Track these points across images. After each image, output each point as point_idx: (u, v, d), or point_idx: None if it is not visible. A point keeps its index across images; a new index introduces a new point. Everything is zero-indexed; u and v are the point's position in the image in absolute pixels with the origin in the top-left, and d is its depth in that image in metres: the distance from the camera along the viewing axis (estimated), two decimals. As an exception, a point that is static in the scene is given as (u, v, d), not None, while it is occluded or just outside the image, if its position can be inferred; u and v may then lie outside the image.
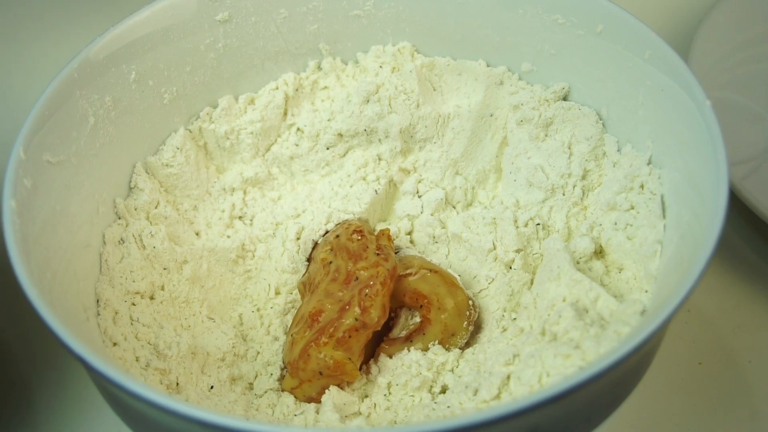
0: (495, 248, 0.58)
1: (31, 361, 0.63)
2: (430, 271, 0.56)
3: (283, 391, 0.54)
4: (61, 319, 0.42)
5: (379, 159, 0.63)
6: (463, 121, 0.62)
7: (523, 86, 0.61)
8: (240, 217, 0.62)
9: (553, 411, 0.40)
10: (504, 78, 0.62)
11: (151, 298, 0.55)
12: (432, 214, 0.61)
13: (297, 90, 0.64)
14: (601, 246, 0.55)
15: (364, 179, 0.63)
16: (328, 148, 0.63)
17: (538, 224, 0.58)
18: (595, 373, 0.38)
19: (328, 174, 0.64)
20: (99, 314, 0.52)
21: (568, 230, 0.58)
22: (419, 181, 0.63)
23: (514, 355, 0.49)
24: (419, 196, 0.63)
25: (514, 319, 0.55)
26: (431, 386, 0.53)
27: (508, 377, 0.47)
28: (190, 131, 0.62)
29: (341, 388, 0.52)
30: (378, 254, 0.55)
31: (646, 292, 0.51)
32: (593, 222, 0.56)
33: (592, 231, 0.56)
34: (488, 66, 0.62)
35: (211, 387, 0.53)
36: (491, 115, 0.62)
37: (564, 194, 0.58)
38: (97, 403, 0.59)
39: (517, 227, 0.58)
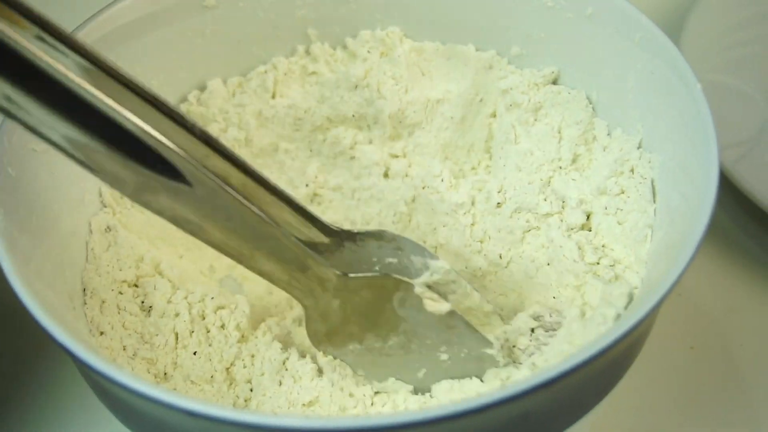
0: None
1: (18, 353, 0.63)
2: None
3: None
4: (46, 308, 0.42)
5: (370, 143, 0.63)
6: (453, 106, 0.62)
7: (512, 71, 0.61)
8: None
9: (542, 397, 0.40)
10: (493, 62, 0.61)
11: (138, 286, 0.55)
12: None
13: (286, 74, 0.63)
14: (588, 218, 0.55)
15: None
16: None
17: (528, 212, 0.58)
18: (586, 358, 0.38)
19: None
20: (85, 303, 0.52)
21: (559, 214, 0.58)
22: (409, 166, 0.63)
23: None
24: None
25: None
26: None
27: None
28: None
29: None
30: None
31: (637, 273, 0.51)
32: (582, 198, 0.56)
33: (581, 205, 0.55)
34: (477, 50, 0.62)
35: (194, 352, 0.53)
36: (481, 100, 0.62)
37: (554, 178, 0.58)
38: (85, 395, 0.59)
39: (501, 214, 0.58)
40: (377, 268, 0.52)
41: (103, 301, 0.52)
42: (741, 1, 0.79)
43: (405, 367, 0.50)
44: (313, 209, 0.53)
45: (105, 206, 0.56)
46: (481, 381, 0.50)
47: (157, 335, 0.52)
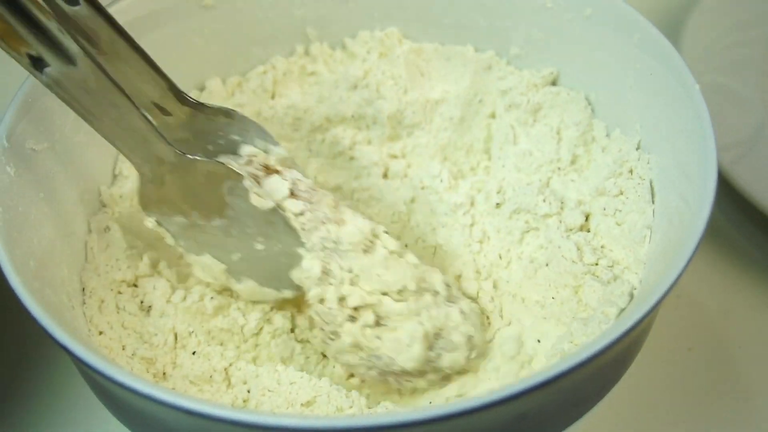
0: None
1: (17, 353, 0.63)
2: None
3: None
4: (45, 308, 0.42)
5: (369, 144, 0.63)
6: (452, 107, 0.62)
7: (511, 71, 0.61)
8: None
9: (540, 397, 0.40)
10: (492, 63, 0.62)
11: (136, 286, 0.55)
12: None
13: (285, 74, 0.63)
14: (587, 218, 0.56)
15: None
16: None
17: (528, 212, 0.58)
18: (584, 359, 0.38)
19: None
20: (84, 303, 0.52)
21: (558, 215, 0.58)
22: (408, 167, 0.63)
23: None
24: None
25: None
26: None
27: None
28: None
29: None
30: None
31: (636, 274, 0.51)
32: (581, 199, 0.56)
33: (580, 206, 0.56)
34: (476, 51, 0.62)
35: (194, 352, 0.53)
36: (480, 101, 0.62)
37: (552, 179, 0.58)
38: (84, 395, 0.59)
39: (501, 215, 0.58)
40: (221, 141, 0.55)
41: (102, 301, 0.52)
42: (739, 4, 0.80)
43: (222, 248, 0.53)
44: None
45: (104, 206, 0.56)
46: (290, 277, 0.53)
47: (156, 335, 0.52)
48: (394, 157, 0.63)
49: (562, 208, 0.56)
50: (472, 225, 0.59)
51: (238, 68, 0.63)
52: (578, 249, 0.54)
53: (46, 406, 0.60)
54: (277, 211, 0.52)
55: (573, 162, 0.58)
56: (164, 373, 0.51)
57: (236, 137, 0.55)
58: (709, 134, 0.46)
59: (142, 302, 0.54)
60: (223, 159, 0.54)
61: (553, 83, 0.60)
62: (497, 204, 0.58)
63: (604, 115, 0.58)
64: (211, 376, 0.52)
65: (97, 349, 0.49)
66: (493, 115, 0.62)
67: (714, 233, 0.68)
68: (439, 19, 0.62)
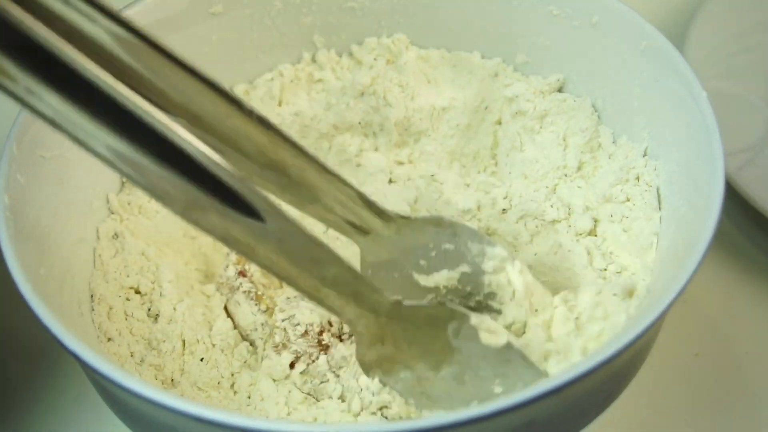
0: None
1: (27, 358, 0.63)
2: None
3: None
4: (55, 314, 0.42)
5: (376, 150, 0.63)
6: (458, 114, 0.62)
7: (518, 78, 0.61)
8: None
9: (548, 405, 0.40)
10: (499, 70, 0.62)
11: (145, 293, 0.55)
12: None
13: (292, 81, 0.64)
14: (595, 224, 0.56)
15: None
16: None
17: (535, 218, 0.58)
18: (591, 367, 0.38)
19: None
20: (93, 309, 0.52)
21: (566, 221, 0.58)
22: (414, 172, 0.63)
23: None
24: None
25: None
26: None
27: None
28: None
29: None
30: None
31: (644, 281, 0.51)
32: (588, 206, 0.56)
33: (587, 212, 0.56)
34: (483, 58, 0.62)
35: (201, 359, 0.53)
36: (486, 108, 0.62)
37: (559, 186, 0.58)
38: (93, 401, 0.59)
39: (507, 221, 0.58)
40: (433, 254, 0.52)
41: (111, 308, 0.52)
42: (744, 9, 0.80)
43: (456, 399, 0.47)
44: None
45: (112, 213, 0.56)
46: None
47: (164, 342, 0.52)
48: (401, 163, 0.63)
49: (569, 214, 0.56)
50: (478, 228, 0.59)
51: (245, 75, 0.63)
52: (588, 253, 0.54)
53: (54, 410, 0.60)
54: (511, 347, 0.47)
55: (579, 169, 0.58)
56: (172, 380, 0.51)
57: (448, 246, 0.52)
58: (716, 141, 0.46)
59: (150, 309, 0.54)
60: (439, 276, 0.52)
61: (560, 90, 0.60)
62: (503, 210, 0.59)
63: (610, 121, 0.58)
64: (219, 383, 0.52)
65: (106, 355, 0.49)
66: (499, 122, 0.62)
67: (720, 239, 0.68)
68: (446, 25, 0.62)
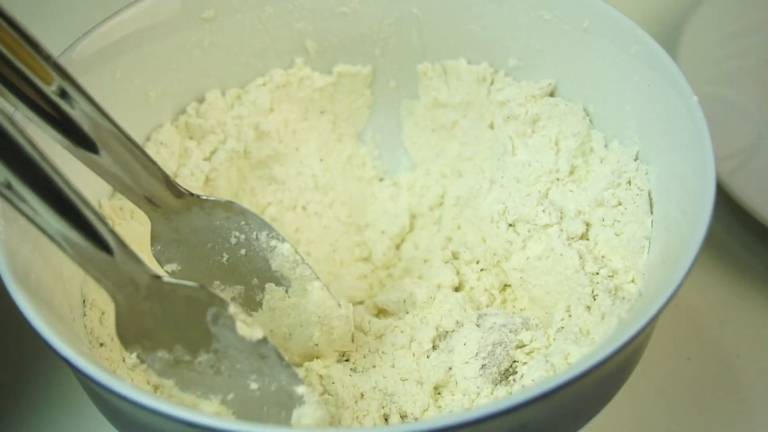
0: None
1: (18, 362, 0.63)
2: None
3: None
4: (46, 320, 0.42)
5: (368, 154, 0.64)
6: (450, 117, 0.62)
7: (509, 83, 0.61)
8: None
9: (540, 409, 0.40)
10: (490, 74, 0.62)
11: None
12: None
13: (284, 86, 0.64)
14: (587, 228, 0.56)
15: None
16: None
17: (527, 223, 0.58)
18: (583, 370, 0.38)
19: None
20: (85, 315, 0.52)
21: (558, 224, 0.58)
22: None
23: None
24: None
25: None
26: None
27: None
28: (177, 127, 0.61)
29: None
30: None
31: (635, 284, 0.51)
32: (580, 209, 0.56)
33: (579, 216, 0.56)
34: (475, 63, 0.62)
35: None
36: (478, 112, 0.62)
37: (551, 190, 0.58)
38: (85, 406, 0.59)
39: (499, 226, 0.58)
40: (219, 239, 0.53)
41: (103, 313, 0.52)
42: (736, 13, 0.80)
43: (214, 387, 0.48)
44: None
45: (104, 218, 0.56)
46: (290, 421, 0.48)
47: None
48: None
49: (561, 218, 0.56)
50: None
51: (237, 80, 0.63)
52: (580, 257, 0.54)
53: (46, 415, 0.60)
54: (268, 342, 0.47)
55: (571, 173, 0.58)
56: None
57: (238, 234, 0.53)
58: (707, 145, 0.47)
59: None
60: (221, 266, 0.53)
61: (551, 94, 0.60)
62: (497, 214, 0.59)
63: (602, 126, 0.58)
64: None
65: (98, 361, 0.49)
66: (491, 126, 0.62)
67: (712, 243, 0.68)
68: (437, 30, 0.62)
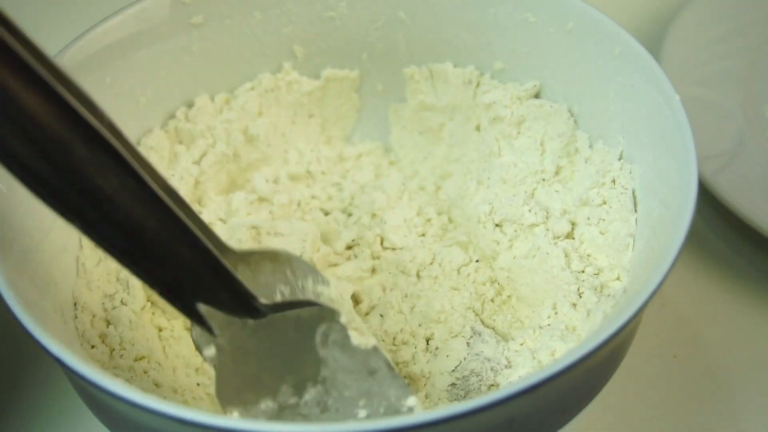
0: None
1: (8, 362, 0.63)
2: None
3: None
4: (38, 321, 0.42)
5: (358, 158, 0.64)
6: (436, 120, 0.63)
7: (495, 85, 0.62)
8: (221, 219, 0.62)
9: (527, 403, 0.41)
10: (476, 77, 0.62)
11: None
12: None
13: (272, 90, 0.64)
14: (573, 228, 0.56)
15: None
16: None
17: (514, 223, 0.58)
18: (568, 364, 0.39)
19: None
20: (77, 317, 0.52)
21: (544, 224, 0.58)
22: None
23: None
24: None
25: None
26: None
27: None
28: (166, 131, 0.62)
29: None
30: None
31: (620, 281, 0.52)
32: (565, 209, 0.57)
33: (565, 215, 0.56)
34: (461, 66, 0.63)
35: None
36: (464, 114, 0.63)
37: (537, 190, 0.59)
38: (77, 407, 0.59)
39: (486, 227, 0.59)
40: (268, 292, 0.47)
41: (94, 316, 0.53)
42: (719, 17, 0.81)
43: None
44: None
45: (95, 221, 0.56)
46: None
47: (146, 348, 0.52)
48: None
49: (547, 218, 0.57)
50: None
51: (225, 85, 0.64)
52: (566, 256, 0.54)
53: (39, 419, 0.60)
54: (378, 351, 0.46)
55: (557, 173, 0.59)
56: (156, 384, 0.52)
57: (283, 288, 0.47)
58: (690, 143, 0.47)
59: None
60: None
61: (537, 96, 0.61)
62: (483, 214, 0.59)
63: (586, 126, 0.59)
64: (198, 384, 0.52)
65: (89, 361, 0.49)
66: (478, 128, 0.63)
67: (698, 242, 0.68)
68: (424, 34, 0.63)
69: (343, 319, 0.46)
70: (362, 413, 0.46)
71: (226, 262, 0.41)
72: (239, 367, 0.45)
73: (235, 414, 0.45)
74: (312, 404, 0.46)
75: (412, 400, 0.47)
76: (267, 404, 0.46)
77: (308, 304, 0.46)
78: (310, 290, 0.49)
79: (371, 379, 0.46)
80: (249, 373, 0.45)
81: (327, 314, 0.46)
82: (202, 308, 0.42)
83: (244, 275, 0.45)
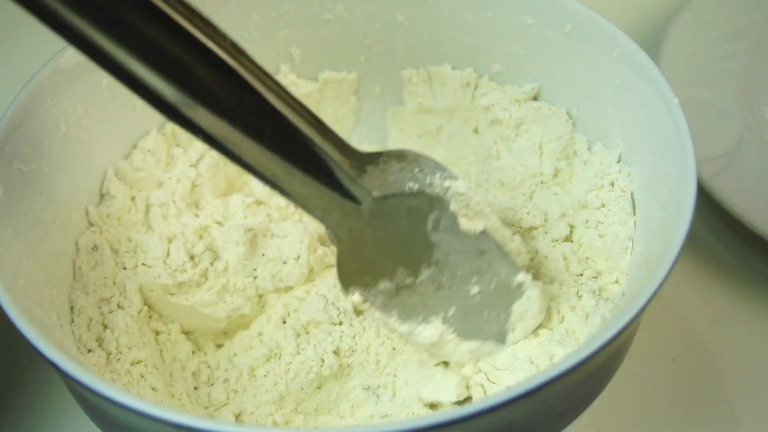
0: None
1: (7, 371, 0.63)
2: None
3: None
4: (34, 325, 0.42)
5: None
6: (435, 122, 0.63)
7: (493, 87, 0.62)
8: (218, 222, 0.62)
9: (525, 407, 0.41)
10: (474, 80, 0.62)
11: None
12: None
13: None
14: (571, 230, 0.56)
15: None
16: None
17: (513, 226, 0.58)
18: (567, 368, 0.39)
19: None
20: (73, 321, 0.52)
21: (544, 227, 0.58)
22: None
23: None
24: None
25: None
26: None
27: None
28: (163, 134, 0.62)
29: None
30: None
31: (619, 284, 0.52)
32: (564, 212, 0.56)
33: (563, 218, 0.56)
34: (459, 68, 0.63)
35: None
36: (463, 117, 0.63)
37: (536, 193, 0.59)
38: (73, 411, 0.59)
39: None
40: (397, 190, 0.50)
41: (91, 319, 0.53)
42: (719, 18, 0.81)
43: (436, 306, 0.49)
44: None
45: (92, 225, 0.56)
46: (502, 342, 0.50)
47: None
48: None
49: (546, 221, 0.57)
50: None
51: (223, 88, 0.64)
52: (565, 259, 0.54)
53: (35, 423, 0.60)
54: (487, 234, 0.49)
55: (555, 176, 0.58)
56: (153, 389, 0.51)
57: (412, 185, 0.51)
58: (688, 145, 0.47)
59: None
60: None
61: (535, 98, 0.61)
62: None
63: (585, 129, 0.58)
64: (195, 387, 0.52)
65: (86, 366, 0.49)
66: (476, 131, 0.63)
67: (697, 245, 0.68)
68: (422, 37, 0.63)
69: (452, 207, 0.48)
70: (474, 289, 0.49)
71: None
72: (358, 253, 0.48)
73: (356, 294, 0.49)
74: (427, 283, 0.49)
75: (521, 276, 0.49)
76: (385, 285, 0.49)
77: (419, 194, 0.49)
78: (437, 185, 0.51)
79: (482, 258, 0.49)
80: (367, 258, 0.49)
81: (437, 203, 0.48)
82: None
83: (372, 174, 0.49)
